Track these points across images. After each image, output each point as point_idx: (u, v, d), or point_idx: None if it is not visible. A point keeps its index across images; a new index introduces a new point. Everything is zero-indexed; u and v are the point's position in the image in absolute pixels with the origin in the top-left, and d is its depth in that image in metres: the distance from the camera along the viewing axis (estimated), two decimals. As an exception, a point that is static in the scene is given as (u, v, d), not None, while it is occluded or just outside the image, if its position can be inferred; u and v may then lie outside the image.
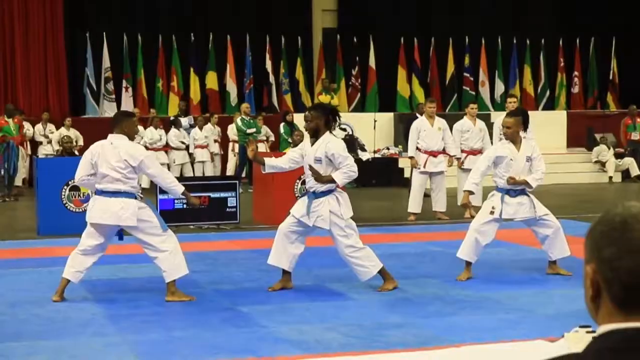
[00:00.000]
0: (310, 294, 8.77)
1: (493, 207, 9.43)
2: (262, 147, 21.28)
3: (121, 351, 6.62)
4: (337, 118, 9.14)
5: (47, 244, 12.46)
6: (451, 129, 15.11)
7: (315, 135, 8.81)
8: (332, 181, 8.71)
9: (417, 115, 18.78)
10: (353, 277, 9.59)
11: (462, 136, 15.15)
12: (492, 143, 15.08)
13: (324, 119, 8.79)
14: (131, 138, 8.74)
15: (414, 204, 14.92)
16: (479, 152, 15.10)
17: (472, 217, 14.86)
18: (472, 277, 9.44)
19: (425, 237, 12.71)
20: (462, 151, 15.10)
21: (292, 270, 8.96)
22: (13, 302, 8.39)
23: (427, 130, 14.82)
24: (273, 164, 9.13)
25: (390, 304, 8.23)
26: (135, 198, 8.49)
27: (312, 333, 7.08)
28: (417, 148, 14.86)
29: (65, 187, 13.49)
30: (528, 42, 28.49)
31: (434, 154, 14.80)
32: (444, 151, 14.89)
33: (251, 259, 10.77)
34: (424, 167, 14.79)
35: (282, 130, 21.97)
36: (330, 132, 8.85)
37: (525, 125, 9.56)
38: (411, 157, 14.93)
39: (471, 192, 9.71)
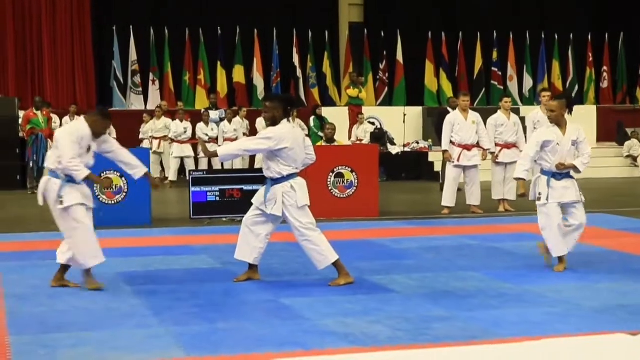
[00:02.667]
0: (351, 286, 8.64)
1: (540, 194, 9.34)
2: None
3: (166, 343, 6.53)
4: (295, 107, 9.10)
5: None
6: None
7: (273, 125, 8.71)
8: (215, 155, 8.98)
9: (449, 109, 18.67)
10: (393, 269, 9.54)
11: (497, 130, 14.98)
12: (526, 137, 14.98)
13: (282, 109, 8.70)
14: None
15: (448, 198, 14.80)
16: (513, 145, 14.98)
17: (507, 210, 14.89)
18: (567, 267, 9.40)
19: (460, 231, 12.58)
20: (496, 145, 14.94)
21: (257, 263, 8.93)
22: (51, 293, 8.32)
23: (461, 123, 14.68)
24: (224, 152, 8.95)
25: (433, 297, 8.10)
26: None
27: (357, 326, 6.97)
28: (451, 142, 14.72)
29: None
30: (557, 36, 28.26)
31: (467, 147, 14.66)
32: (477, 145, 14.75)
33: (288, 251, 10.67)
34: (458, 160, 14.66)
35: (312, 123, 21.88)
36: (289, 121, 8.76)
37: (570, 107, 9.41)
38: (445, 151, 14.79)
39: (523, 179, 9.51)
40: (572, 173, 9.46)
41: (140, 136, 22.17)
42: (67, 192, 8.44)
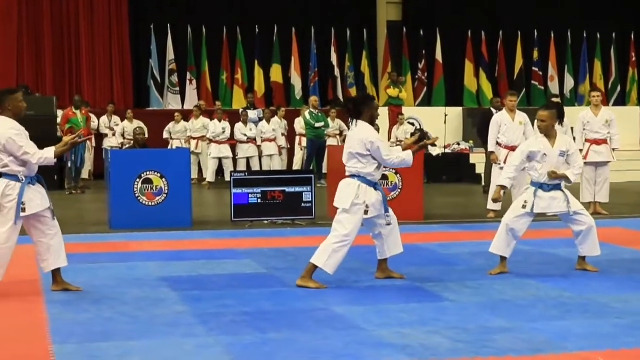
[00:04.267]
0: (403, 294, 8.35)
1: (525, 202, 9.20)
2: (334, 141, 20.89)
3: (216, 354, 6.24)
4: None
5: (121, 238, 12.17)
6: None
7: None
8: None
9: (492, 109, 18.32)
10: (445, 276, 9.22)
11: (544, 131, 14.59)
12: (574, 138, 14.62)
13: None
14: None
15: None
16: (562, 147, 14.58)
17: (554, 214, 14.49)
18: (507, 272, 9.25)
19: (510, 236, 12.19)
20: (545, 146, 14.54)
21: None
22: (96, 299, 8.06)
23: (508, 124, 14.32)
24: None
25: (491, 306, 7.77)
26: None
27: (414, 337, 6.65)
28: (498, 143, 14.37)
29: (137, 179, 13.18)
30: (599, 35, 27.78)
31: (514, 149, 14.24)
32: (525, 146, 14.36)
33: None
34: (505, 162, 14.28)
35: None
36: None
37: (560, 118, 9.20)
38: (491, 153, 14.44)
39: (504, 187, 9.41)
40: (563, 186, 9.30)
41: (165, 136, 21.93)
42: (29, 198, 8.10)
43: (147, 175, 13.16)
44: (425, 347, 6.37)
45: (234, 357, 6.13)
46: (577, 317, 7.35)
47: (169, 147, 21.12)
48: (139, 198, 13.14)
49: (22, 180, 8.10)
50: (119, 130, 22.18)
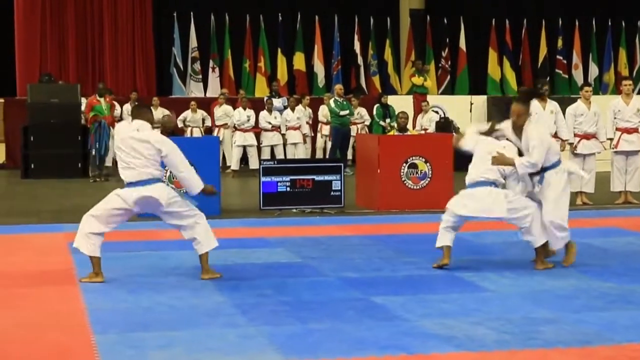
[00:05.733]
0: (442, 283, 8.25)
1: None
2: (354, 130, 20.81)
3: (259, 344, 6.15)
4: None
5: (151, 226, 12.09)
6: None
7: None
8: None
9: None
10: (482, 266, 9.11)
11: (576, 120, 14.46)
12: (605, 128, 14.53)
13: None
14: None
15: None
16: (593, 136, 14.48)
17: (584, 203, 14.39)
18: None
19: (542, 225, 12.06)
20: (575, 135, 14.42)
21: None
22: (132, 288, 7.98)
23: (539, 113, 14.12)
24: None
25: (532, 296, 7.66)
26: None
27: (459, 328, 6.55)
28: (528, 131, 14.21)
29: (165, 167, 13.05)
30: (623, 24, 27.55)
31: (545, 137, 14.13)
32: (556, 135, 14.22)
33: (367, 245, 10.30)
34: (535, 151, 14.14)
35: (375, 112, 21.44)
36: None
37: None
38: (522, 141, 14.27)
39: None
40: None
41: (180, 125, 21.84)
42: None
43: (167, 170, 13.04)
44: (471, 338, 6.28)
45: (278, 347, 6.05)
46: (621, 307, 7.24)
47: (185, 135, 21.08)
48: (169, 186, 13.01)
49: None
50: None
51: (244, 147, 20.63)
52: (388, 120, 20.78)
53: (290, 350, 6.00)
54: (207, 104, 22.52)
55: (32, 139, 19.81)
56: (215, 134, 21.25)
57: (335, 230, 11.66)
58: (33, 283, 8.30)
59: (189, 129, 21.80)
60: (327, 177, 13.43)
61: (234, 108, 21.30)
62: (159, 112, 20.96)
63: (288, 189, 13.36)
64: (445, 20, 26.85)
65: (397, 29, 27.41)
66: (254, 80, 25.51)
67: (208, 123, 22.02)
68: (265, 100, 21.39)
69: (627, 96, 14.68)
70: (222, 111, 21.47)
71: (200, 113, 22.01)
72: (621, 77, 26.73)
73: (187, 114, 21.94)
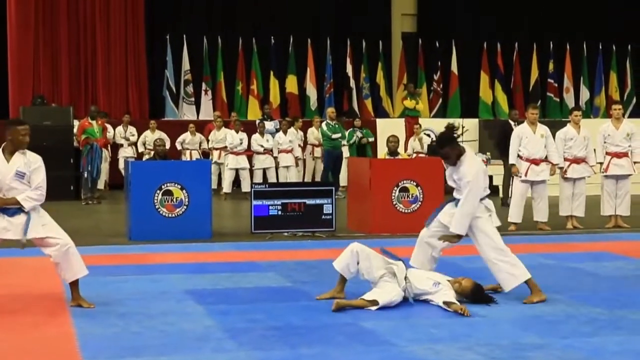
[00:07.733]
0: (434, 309, 8.25)
1: None
2: (346, 152, 20.86)
3: (248, 369, 6.17)
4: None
5: (141, 250, 12.11)
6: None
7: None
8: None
9: (510, 122, 18.30)
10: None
11: (566, 144, 14.52)
12: (594, 151, 14.61)
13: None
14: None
15: (515, 214, 14.34)
16: (582, 160, 14.53)
17: (575, 227, 14.43)
18: None
19: (533, 249, 12.09)
20: (565, 159, 14.48)
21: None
22: (122, 312, 7.98)
23: (529, 137, 14.25)
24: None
25: (522, 321, 7.68)
26: None
27: (448, 353, 6.57)
28: (519, 155, 14.29)
29: (158, 191, 13.13)
30: (614, 47, 27.70)
31: (535, 162, 14.21)
32: (546, 159, 14.29)
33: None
34: (526, 175, 14.22)
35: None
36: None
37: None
38: (512, 165, 14.36)
39: None
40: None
41: (178, 147, 21.92)
42: None
43: (167, 186, 13.11)
44: (460, 364, 6.30)
45: (267, 374, 6.06)
46: (610, 333, 7.25)
47: (182, 158, 21.15)
48: (159, 209, 13.09)
49: None
50: (140, 140, 22.18)
51: (237, 169, 20.64)
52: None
53: (279, 376, 6.02)
54: (200, 127, 22.58)
55: (24, 161, 19.76)
56: (216, 157, 21.29)
57: (326, 254, 11.61)
58: (22, 307, 8.28)
59: (188, 152, 21.87)
60: (318, 201, 13.45)
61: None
62: (156, 135, 21.06)
63: (279, 212, 13.39)
64: (437, 44, 26.97)
65: (389, 52, 27.53)
66: (246, 102, 25.58)
67: (205, 146, 22.09)
68: (257, 123, 21.43)
69: (617, 120, 14.76)
70: (222, 134, 21.43)
71: (199, 136, 22.09)
72: (612, 100, 26.95)
73: (186, 136, 22.04)
